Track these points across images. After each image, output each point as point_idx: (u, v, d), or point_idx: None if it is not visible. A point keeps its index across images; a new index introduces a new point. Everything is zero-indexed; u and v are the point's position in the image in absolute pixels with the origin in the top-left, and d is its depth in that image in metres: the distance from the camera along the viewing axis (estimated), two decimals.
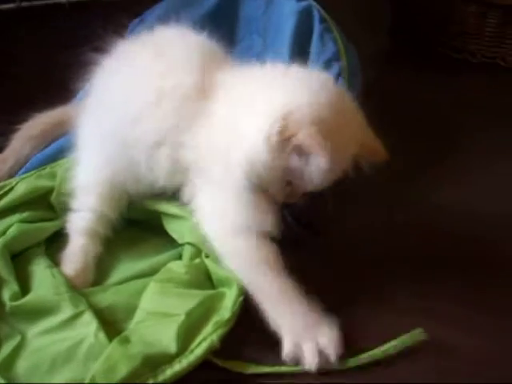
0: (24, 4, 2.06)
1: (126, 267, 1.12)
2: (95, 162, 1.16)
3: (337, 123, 0.97)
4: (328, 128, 0.95)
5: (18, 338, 0.95)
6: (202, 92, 1.07)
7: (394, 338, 0.95)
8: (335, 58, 1.28)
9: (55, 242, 1.16)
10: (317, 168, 0.96)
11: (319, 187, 1.02)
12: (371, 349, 0.94)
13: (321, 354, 0.91)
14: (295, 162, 0.98)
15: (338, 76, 1.25)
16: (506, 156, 1.49)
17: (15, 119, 1.33)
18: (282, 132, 0.95)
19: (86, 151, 1.18)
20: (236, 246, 1.03)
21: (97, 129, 1.17)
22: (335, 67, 1.26)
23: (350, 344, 0.94)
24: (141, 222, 1.20)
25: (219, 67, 1.11)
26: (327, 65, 1.27)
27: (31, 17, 2.04)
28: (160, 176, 1.11)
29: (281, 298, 0.97)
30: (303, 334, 0.93)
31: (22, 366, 0.91)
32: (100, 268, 1.12)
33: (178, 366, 0.90)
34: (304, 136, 0.93)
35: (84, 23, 1.79)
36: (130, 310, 1.01)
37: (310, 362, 0.91)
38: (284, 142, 0.96)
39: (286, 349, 0.93)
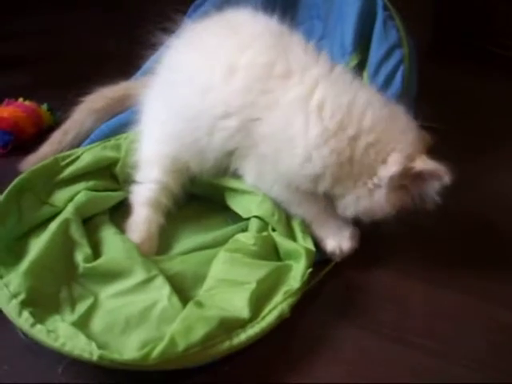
0: None
1: (188, 240, 1.14)
2: (160, 136, 1.18)
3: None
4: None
5: (91, 299, 0.96)
6: (276, 72, 1.08)
7: None
8: (398, 45, 1.30)
9: (118, 212, 1.17)
10: (436, 185, 1.03)
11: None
12: None
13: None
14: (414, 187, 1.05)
15: (400, 62, 1.28)
16: None
17: (71, 94, 1.35)
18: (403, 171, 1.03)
19: (152, 125, 1.20)
20: None
21: (164, 104, 1.18)
22: (398, 54, 1.28)
23: None
24: (203, 197, 1.21)
25: (293, 49, 1.11)
26: (390, 51, 1.28)
27: None
28: (218, 153, 1.13)
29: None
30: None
31: (97, 324, 0.92)
32: (163, 239, 1.13)
33: (252, 331, 0.92)
34: (421, 164, 1.02)
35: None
36: (198, 279, 1.02)
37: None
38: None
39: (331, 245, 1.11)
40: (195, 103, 1.11)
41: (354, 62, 1.31)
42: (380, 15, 1.32)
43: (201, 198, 1.21)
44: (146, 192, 1.15)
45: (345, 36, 1.33)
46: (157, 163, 1.17)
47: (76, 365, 0.90)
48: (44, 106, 1.45)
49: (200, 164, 1.16)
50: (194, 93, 1.12)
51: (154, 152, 1.18)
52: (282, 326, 0.96)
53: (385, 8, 1.33)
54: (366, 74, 1.30)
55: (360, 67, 1.31)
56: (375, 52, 1.29)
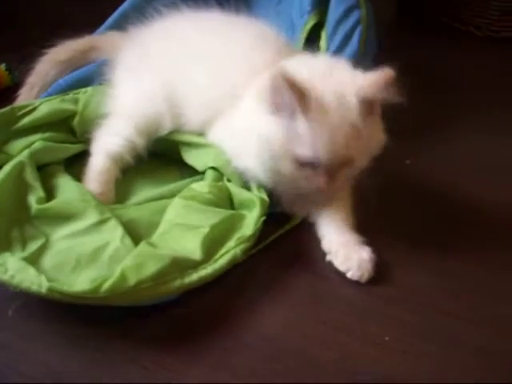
0: None
1: (144, 192, 1.14)
2: (138, 95, 1.18)
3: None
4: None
5: (42, 239, 0.96)
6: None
7: None
8: (356, 5, 1.30)
9: (72, 167, 1.17)
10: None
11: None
12: None
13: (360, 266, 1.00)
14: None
15: (357, 23, 1.28)
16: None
17: (26, 56, 1.32)
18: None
19: (130, 82, 1.20)
20: None
21: (147, 73, 1.19)
22: (356, 14, 1.29)
23: None
24: (159, 153, 1.20)
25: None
26: (348, 11, 1.29)
27: None
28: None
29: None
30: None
31: (47, 262, 0.92)
32: (119, 192, 1.13)
33: (204, 272, 0.93)
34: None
35: None
36: (152, 226, 1.02)
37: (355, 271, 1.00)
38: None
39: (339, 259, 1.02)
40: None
41: (312, 22, 1.32)
42: None
43: (156, 153, 1.20)
44: (111, 145, 1.14)
45: None
46: (132, 120, 1.16)
47: (26, 307, 0.90)
48: (2, 66, 1.43)
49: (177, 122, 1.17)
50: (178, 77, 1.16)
51: (131, 108, 1.17)
52: (238, 271, 0.98)
53: None
54: (324, 34, 1.30)
55: (318, 28, 1.32)
56: (333, 12, 1.30)
